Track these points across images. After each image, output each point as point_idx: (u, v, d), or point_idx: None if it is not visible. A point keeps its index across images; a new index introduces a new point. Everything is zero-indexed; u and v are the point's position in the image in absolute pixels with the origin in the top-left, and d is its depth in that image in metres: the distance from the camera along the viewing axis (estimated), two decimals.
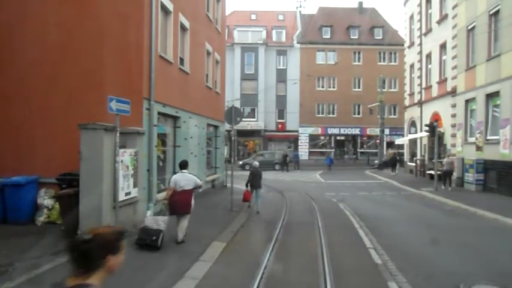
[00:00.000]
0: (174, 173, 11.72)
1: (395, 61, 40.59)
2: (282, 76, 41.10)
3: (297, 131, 40.96)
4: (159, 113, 10.08)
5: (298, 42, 41.33)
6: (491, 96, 16.01)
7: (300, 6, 42.75)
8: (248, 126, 37.06)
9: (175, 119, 11.68)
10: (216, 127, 17.43)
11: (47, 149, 9.04)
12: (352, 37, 41.88)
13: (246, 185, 12.26)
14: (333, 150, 41.65)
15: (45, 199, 8.63)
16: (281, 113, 41.53)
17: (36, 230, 8.09)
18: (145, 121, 9.08)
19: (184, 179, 7.70)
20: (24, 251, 6.49)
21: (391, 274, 6.33)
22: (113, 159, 7.30)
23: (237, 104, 31.25)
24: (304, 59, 40.69)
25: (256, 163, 13.19)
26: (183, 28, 12.10)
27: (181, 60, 12.03)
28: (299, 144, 40.92)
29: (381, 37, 41.94)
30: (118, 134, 7.24)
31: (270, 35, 41.96)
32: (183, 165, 8.08)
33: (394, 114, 40.29)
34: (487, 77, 16.12)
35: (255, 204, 12.15)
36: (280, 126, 41.41)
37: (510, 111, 14.41)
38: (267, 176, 26.35)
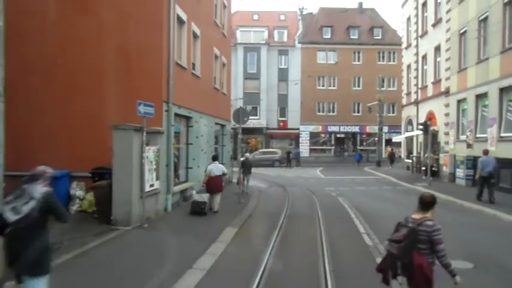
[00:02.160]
0: (187, 168, 12.96)
1: (394, 60, 41.54)
2: (283, 75, 42.17)
3: (298, 129, 42.08)
4: (175, 114, 11.19)
5: (299, 42, 42.37)
6: (480, 97, 17.10)
7: (302, 12, 43.55)
8: (250, 124, 37.98)
9: (187, 119, 12.82)
10: (222, 126, 18.56)
11: (75, 147, 10.13)
12: (352, 37, 42.93)
13: (239, 172, 15.02)
14: (332, 147, 42.85)
15: (77, 191, 9.77)
16: (283, 111, 42.65)
17: (71, 218, 9.20)
18: (164, 121, 10.22)
19: (216, 168, 10.88)
20: (68, 233, 7.60)
21: (379, 252, 7.42)
22: (140, 155, 8.44)
23: (240, 103, 32.59)
24: (305, 59, 41.77)
25: (247, 154, 16.53)
26: (195, 36, 13.22)
27: (193, 65, 13.15)
28: (300, 141, 42.04)
29: (380, 37, 43.00)
30: (145, 134, 8.37)
31: (272, 35, 42.99)
32: (215, 157, 11.50)
33: (393, 113, 41.28)
34: (477, 79, 17.20)
35: (245, 186, 15.19)
36: (281, 124, 42.53)
37: (497, 111, 15.50)
38: (269, 172, 27.55)
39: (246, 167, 15.33)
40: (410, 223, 3.72)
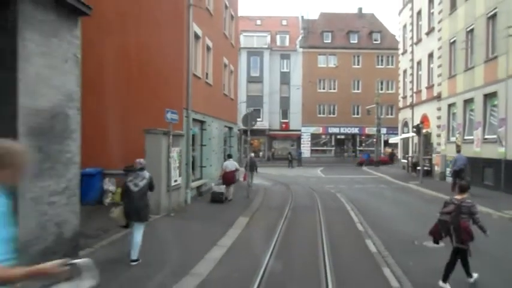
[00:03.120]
0: (201, 166, 14.49)
1: (392, 64, 43.02)
2: (285, 79, 43.72)
3: (300, 130, 43.61)
4: (192, 119, 12.70)
5: (300, 47, 43.90)
6: (468, 102, 18.58)
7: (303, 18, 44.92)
8: (254, 126, 39.67)
9: (202, 123, 14.35)
10: (230, 128, 20.09)
11: (107, 148, 11.63)
12: (351, 41, 44.47)
13: (245, 169, 17.02)
14: (333, 148, 44.33)
15: (110, 186, 11.29)
16: (285, 113, 44.19)
17: (106, 208, 10.70)
18: (184, 126, 11.74)
19: (230, 164, 13.43)
20: (110, 221, 9.09)
21: (368, 236, 8.96)
22: (167, 155, 9.95)
23: (244, 106, 34.12)
24: (306, 63, 43.32)
25: (252, 154, 18.66)
26: (208, 48, 14.75)
27: (207, 74, 14.68)
28: (302, 142, 43.56)
29: (379, 41, 44.51)
30: (171, 137, 9.89)
31: (274, 40, 44.52)
32: (230, 156, 14.26)
33: (391, 115, 42.71)
34: (465, 85, 18.69)
35: (250, 181, 16.59)
36: (284, 125, 44.06)
37: (481, 116, 16.99)
38: (273, 171, 29.05)
39: (251, 165, 17.22)
40: (455, 201, 5.68)
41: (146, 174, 6.70)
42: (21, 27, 4.85)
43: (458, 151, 15.67)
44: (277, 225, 9.75)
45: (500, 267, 6.81)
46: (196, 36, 13.24)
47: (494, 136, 15.89)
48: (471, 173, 17.42)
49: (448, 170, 19.48)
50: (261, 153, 38.44)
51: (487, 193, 15.02)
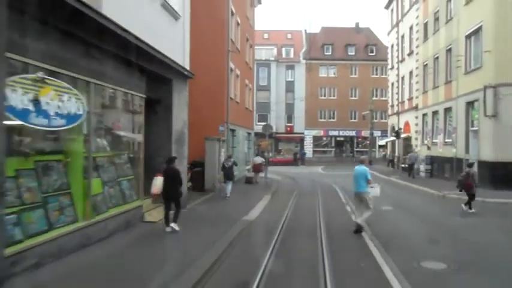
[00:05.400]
0: (234, 163, 19.85)
1: (386, 74, 47.98)
2: (290, 87, 49.07)
3: (303, 133, 48.92)
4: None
5: (304, 59, 49.19)
6: (435, 113, 23.84)
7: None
8: (271, 132, 44.99)
9: (233, 131, 19.68)
10: (249, 133, 25.43)
11: None
12: (349, 53, 49.73)
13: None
14: (333, 149, 49.52)
15: None
16: (289, 118, 49.51)
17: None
18: (225, 134, 17.05)
19: (258, 159, 19.23)
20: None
21: (348, 205, 14.24)
22: (219, 154, 15.27)
23: (254, 112, 39.46)
24: (309, 73, 48.62)
25: (266, 154, 24.10)
26: (237, 76, 20.09)
27: (236, 95, 20.02)
28: (304, 144, 48.87)
29: (374, 53, 49.70)
30: (221, 142, 15.22)
31: (280, 52, 49.83)
32: (257, 154, 19.85)
33: (385, 119, 47.70)
34: (433, 100, 23.93)
35: (265, 175, 21.54)
36: (288, 129, 49.39)
37: (443, 124, 22.23)
38: (281, 169, 34.35)
39: (266, 162, 22.36)
40: (466, 170, 12.24)
41: (231, 160, 14.34)
42: (173, 92, 10.19)
43: (411, 151, 22.62)
44: (290, 200, 15.04)
45: (420, 215, 12.13)
46: (231, 70, 18.57)
47: (451, 140, 21.11)
48: (437, 168, 22.72)
49: (421, 167, 24.73)
50: (270, 154, 43.80)
51: (442, 183, 20.24)
